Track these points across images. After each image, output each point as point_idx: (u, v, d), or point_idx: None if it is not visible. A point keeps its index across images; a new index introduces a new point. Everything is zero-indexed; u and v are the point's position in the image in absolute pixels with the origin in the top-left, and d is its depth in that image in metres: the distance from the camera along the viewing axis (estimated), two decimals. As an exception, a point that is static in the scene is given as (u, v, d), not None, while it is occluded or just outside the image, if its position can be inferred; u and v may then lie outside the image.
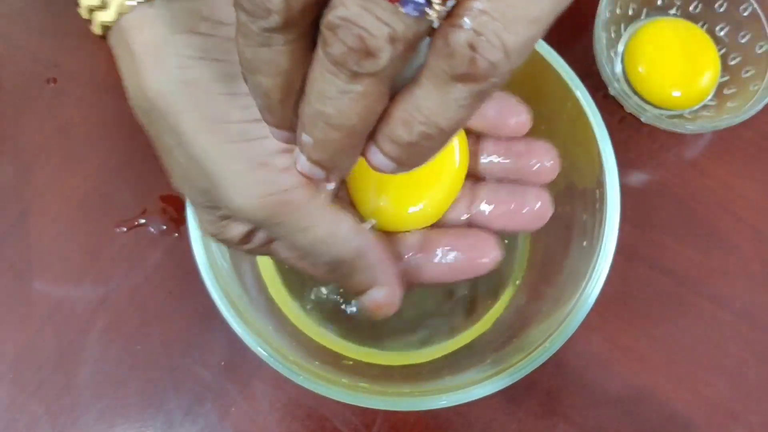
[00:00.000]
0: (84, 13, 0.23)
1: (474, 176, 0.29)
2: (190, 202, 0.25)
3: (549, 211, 0.27)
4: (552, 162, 0.28)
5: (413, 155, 0.19)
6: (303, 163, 0.20)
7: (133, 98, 0.23)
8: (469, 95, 0.17)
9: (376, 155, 0.19)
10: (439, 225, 0.28)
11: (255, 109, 0.20)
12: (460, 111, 0.18)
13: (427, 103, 0.17)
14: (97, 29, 0.23)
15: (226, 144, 0.22)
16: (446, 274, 0.27)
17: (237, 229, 0.24)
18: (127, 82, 0.23)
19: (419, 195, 0.27)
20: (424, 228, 0.28)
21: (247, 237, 0.25)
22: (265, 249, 0.26)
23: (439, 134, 0.18)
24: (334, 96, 0.17)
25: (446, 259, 0.26)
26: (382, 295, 0.25)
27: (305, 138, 0.19)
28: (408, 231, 0.27)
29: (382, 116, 0.19)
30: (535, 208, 0.27)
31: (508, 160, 0.28)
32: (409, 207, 0.27)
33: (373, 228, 0.26)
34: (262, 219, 0.22)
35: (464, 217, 0.28)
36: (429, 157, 0.19)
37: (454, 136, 0.19)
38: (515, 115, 0.28)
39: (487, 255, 0.26)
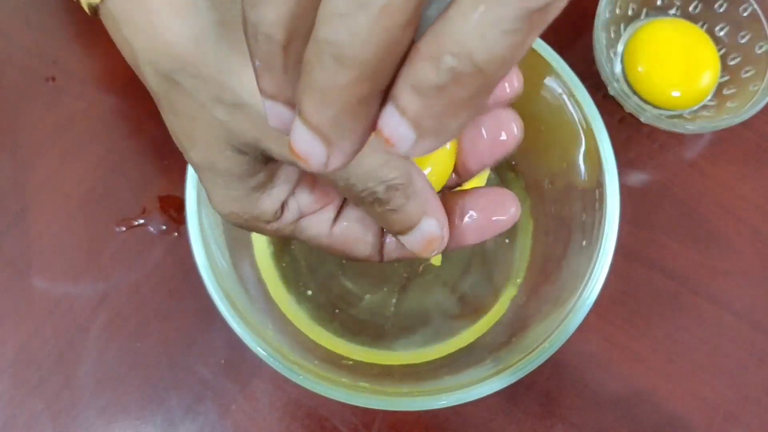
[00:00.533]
0: None
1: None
2: (214, 177, 0.23)
3: (519, 135, 0.26)
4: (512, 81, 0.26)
5: (439, 114, 0.14)
6: (298, 136, 0.15)
7: (150, 62, 0.21)
8: (518, 16, 0.13)
9: (391, 118, 0.14)
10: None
11: None
12: (504, 40, 0.13)
13: (463, 26, 0.13)
14: (85, 4, 0.22)
15: None
16: (468, 236, 0.25)
17: (269, 202, 0.23)
18: (138, 46, 0.21)
19: (425, 159, 0.26)
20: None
21: (281, 210, 0.24)
22: (292, 227, 0.24)
23: (474, 75, 0.14)
24: (349, 12, 0.13)
25: (468, 220, 0.25)
26: (434, 225, 0.23)
27: (305, 92, 0.15)
28: None
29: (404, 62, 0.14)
30: (503, 135, 0.26)
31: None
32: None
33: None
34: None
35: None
36: (458, 123, 0.15)
37: (495, 86, 0.15)
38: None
39: (507, 212, 0.25)
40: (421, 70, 0.14)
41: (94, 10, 0.22)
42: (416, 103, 0.14)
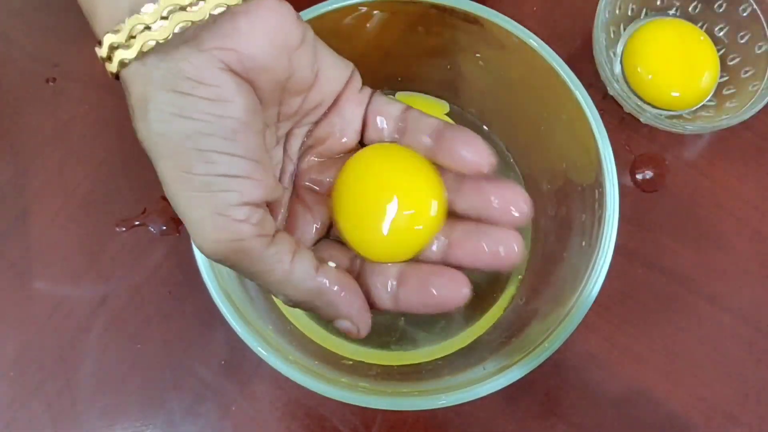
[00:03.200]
0: (104, 52, 0.25)
1: (452, 214, 0.30)
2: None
3: (518, 255, 0.28)
4: (522, 208, 0.29)
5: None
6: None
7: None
8: None
9: None
10: (415, 258, 0.30)
11: (219, 165, 0.24)
12: None
13: None
14: (114, 67, 0.24)
15: (191, 192, 0.24)
16: (420, 307, 0.29)
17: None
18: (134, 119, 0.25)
19: (401, 233, 0.29)
20: (402, 261, 0.29)
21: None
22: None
23: None
24: None
25: (421, 292, 0.29)
26: (345, 326, 0.28)
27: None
28: (389, 263, 0.29)
29: None
30: (502, 252, 0.28)
31: (479, 204, 0.29)
32: (392, 242, 0.29)
33: (338, 267, 0.28)
34: (220, 260, 0.25)
35: (436, 252, 0.29)
36: None
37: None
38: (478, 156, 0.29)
39: (459, 292, 0.28)
40: None
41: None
42: None
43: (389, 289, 0.29)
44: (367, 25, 0.35)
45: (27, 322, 0.40)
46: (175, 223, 0.41)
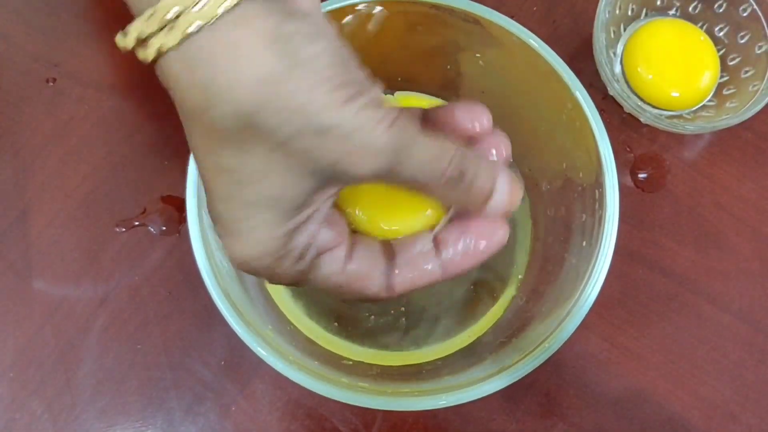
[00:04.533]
0: (129, 42, 0.22)
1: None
2: (263, 214, 0.24)
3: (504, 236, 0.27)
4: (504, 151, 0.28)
5: None
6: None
7: (232, 102, 0.22)
8: None
9: None
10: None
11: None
12: None
13: None
14: (151, 54, 0.22)
15: (359, 110, 0.22)
16: (467, 261, 0.27)
17: (303, 237, 0.25)
18: (221, 85, 0.22)
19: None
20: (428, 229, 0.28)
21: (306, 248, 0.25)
22: (310, 266, 0.26)
23: None
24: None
25: (464, 245, 0.27)
26: (507, 178, 0.26)
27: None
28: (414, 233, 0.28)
29: None
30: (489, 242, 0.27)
31: None
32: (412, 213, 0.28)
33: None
34: (392, 153, 0.23)
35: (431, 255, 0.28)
36: None
37: None
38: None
39: (499, 231, 0.27)
40: None
41: (155, 59, 0.22)
42: None
43: (435, 255, 0.27)
44: (367, 25, 0.35)
45: (26, 322, 0.40)
46: (175, 223, 0.41)
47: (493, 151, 0.28)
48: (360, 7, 0.34)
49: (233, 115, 0.22)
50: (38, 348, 0.40)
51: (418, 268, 0.27)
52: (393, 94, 0.41)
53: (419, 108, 0.28)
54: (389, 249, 0.27)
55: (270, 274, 0.25)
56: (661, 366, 0.40)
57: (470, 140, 0.28)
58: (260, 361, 0.30)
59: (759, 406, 0.40)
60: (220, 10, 0.21)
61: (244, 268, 0.25)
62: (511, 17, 0.34)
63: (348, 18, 0.35)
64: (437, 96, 0.41)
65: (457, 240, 0.27)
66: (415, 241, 0.27)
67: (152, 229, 0.41)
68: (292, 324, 0.38)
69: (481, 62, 0.38)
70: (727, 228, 0.43)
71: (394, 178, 0.24)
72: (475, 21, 0.34)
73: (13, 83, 0.44)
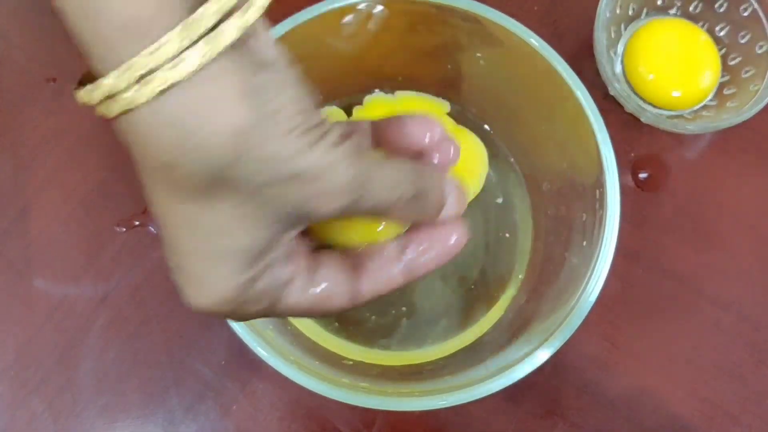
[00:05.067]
0: (95, 97, 0.22)
1: None
2: (230, 260, 0.24)
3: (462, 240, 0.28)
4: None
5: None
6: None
7: (203, 157, 0.22)
8: None
9: None
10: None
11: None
12: None
13: None
14: (115, 111, 0.22)
15: (325, 151, 0.23)
16: (428, 265, 0.28)
17: (269, 278, 0.25)
18: (196, 137, 0.22)
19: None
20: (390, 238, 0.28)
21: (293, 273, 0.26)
22: (275, 301, 0.26)
23: None
24: None
25: (424, 250, 0.28)
26: (454, 187, 0.27)
27: None
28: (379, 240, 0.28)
29: None
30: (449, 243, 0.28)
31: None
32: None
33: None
34: (355, 188, 0.23)
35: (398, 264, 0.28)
36: None
37: None
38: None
39: (455, 234, 0.28)
40: None
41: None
42: None
43: (397, 261, 0.28)
44: (368, 24, 0.35)
45: (27, 321, 0.40)
46: (176, 222, 0.41)
47: (442, 160, 0.28)
48: (361, 6, 0.34)
49: (206, 170, 0.22)
50: (39, 346, 0.40)
51: (383, 276, 0.27)
52: (393, 94, 0.41)
53: (368, 120, 0.28)
54: (353, 259, 0.28)
55: (233, 317, 0.26)
56: (661, 366, 0.40)
57: (420, 153, 0.28)
58: (261, 361, 0.30)
59: (759, 407, 0.40)
60: (195, 67, 0.21)
61: (205, 314, 0.25)
62: (512, 16, 0.34)
63: (348, 17, 0.35)
64: (438, 95, 0.41)
65: (419, 244, 0.27)
66: (379, 249, 0.28)
67: (152, 229, 0.41)
68: (292, 324, 0.38)
69: (481, 62, 0.38)
70: (728, 228, 0.43)
71: (356, 210, 0.24)
72: (476, 20, 0.34)
73: (14, 82, 0.44)
